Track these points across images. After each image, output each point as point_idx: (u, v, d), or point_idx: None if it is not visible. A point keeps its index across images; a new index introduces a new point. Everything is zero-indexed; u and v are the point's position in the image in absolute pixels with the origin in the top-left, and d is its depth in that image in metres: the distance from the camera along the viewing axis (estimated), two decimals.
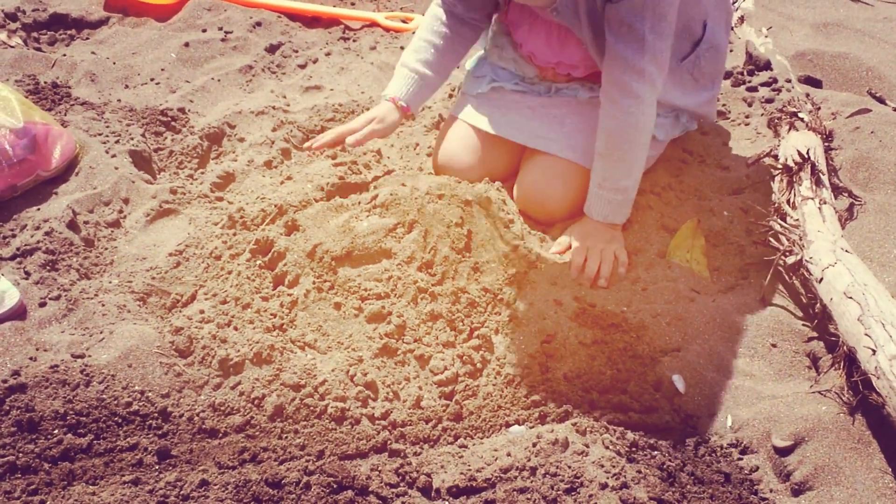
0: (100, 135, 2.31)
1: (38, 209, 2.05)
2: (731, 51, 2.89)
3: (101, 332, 1.73)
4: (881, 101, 2.60)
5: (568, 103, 2.18)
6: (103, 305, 1.80)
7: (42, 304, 1.80)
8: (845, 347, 1.64)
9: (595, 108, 2.05)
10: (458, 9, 2.18)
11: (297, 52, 2.90)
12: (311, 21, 3.11)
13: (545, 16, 2.05)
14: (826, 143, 2.31)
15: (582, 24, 1.98)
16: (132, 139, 2.31)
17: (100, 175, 2.14)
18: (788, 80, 2.64)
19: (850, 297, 1.66)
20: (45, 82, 2.58)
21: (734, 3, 3.08)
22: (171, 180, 2.26)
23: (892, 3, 3.39)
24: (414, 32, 3.00)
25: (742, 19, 3.06)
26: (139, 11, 3.11)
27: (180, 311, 1.83)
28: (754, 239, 2.07)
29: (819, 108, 2.48)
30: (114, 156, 2.21)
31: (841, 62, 2.87)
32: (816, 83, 2.75)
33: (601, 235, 2.03)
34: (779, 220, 2.01)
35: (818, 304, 1.79)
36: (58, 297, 1.81)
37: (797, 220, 1.98)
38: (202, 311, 1.79)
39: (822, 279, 1.78)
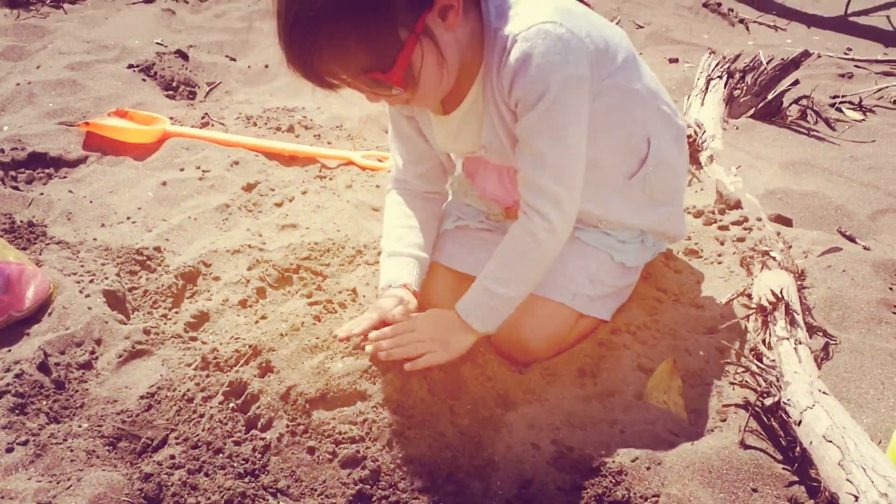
0: (74, 274, 2.30)
1: (9, 350, 2.02)
2: (702, 184, 2.94)
3: (68, 479, 1.68)
4: (851, 239, 2.64)
5: None
6: (72, 451, 1.76)
7: (9, 450, 1.76)
8: (827, 493, 1.62)
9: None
10: (418, 186, 2.22)
11: (273, 190, 2.93)
12: (289, 160, 3.15)
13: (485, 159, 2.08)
14: (799, 282, 2.33)
15: (515, 159, 1.98)
16: (107, 279, 2.30)
17: (73, 315, 2.12)
18: (759, 219, 2.68)
19: (830, 441, 1.65)
20: (21, 221, 2.58)
21: (703, 142, 3.15)
22: (144, 320, 2.24)
23: (857, 141, 3.48)
24: (389, 171, 3.05)
25: (711, 158, 3.12)
26: (118, 150, 3.14)
27: (150, 457, 1.79)
28: (731, 380, 2.06)
29: (790, 247, 2.52)
30: (87, 296, 2.20)
31: (810, 200, 2.93)
32: (787, 221, 2.79)
33: (444, 335, 1.96)
34: (755, 361, 2.01)
35: (798, 447, 1.77)
36: (25, 443, 1.77)
37: (773, 360, 1.98)
38: (172, 457, 1.75)
39: (800, 422, 1.77)
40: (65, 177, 3.02)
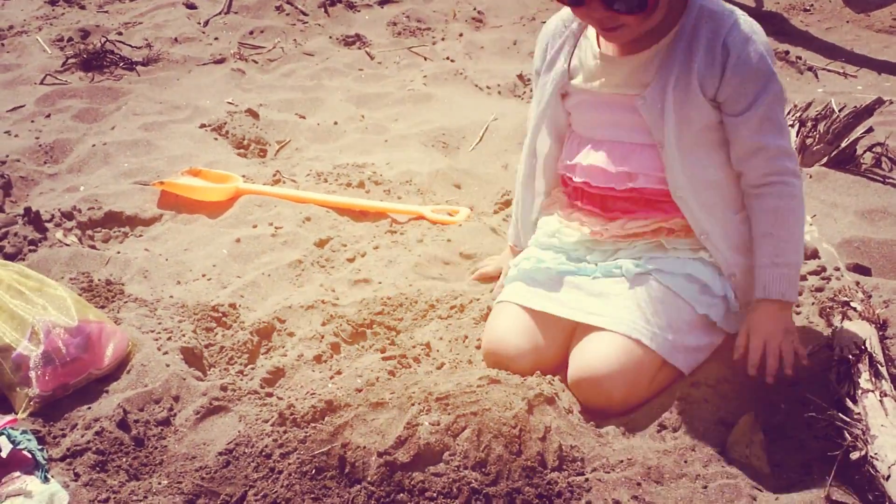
0: (152, 332, 2.33)
1: (89, 408, 2.05)
2: None
3: None
4: None
5: (616, 282, 2.19)
6: None
7: None
8: None
9: (643, 282, 2.14)
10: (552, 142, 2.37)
11: (345, 245, 2.95)
12: (359, 215, 3.17)
13: (622, 107, 2.18)
14: (881, 333, 2.28)
15: (666, 122, 2.10)
16: (183, 336, 2.32)
17: (151, 373, 2.15)
18: (837, 269, 2.63)
19: None
20: (99, 280, 2.63)
21: None
22: (221, 376, 2.26)
23: None
24: (460, 225, 3.07)
25: None
26: (191, 208, 3.20)
27: None
28: (814, 433, 2.01)
29: (870, 297, 2.46)
30: (165, 353, 2.22)
31: (888, 249, 2.87)
32: (865, 271, 2.73)
33: (777, 325, 2.10)
34: (840, 414, 1.96)
35: (887, 503, 1.72)
36: (106, 500, 1.79)
37: (858, 413, 1.93)
38: None
39: (889, 476, 1.72)
40: (140, 235, 3.08)
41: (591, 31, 2.25)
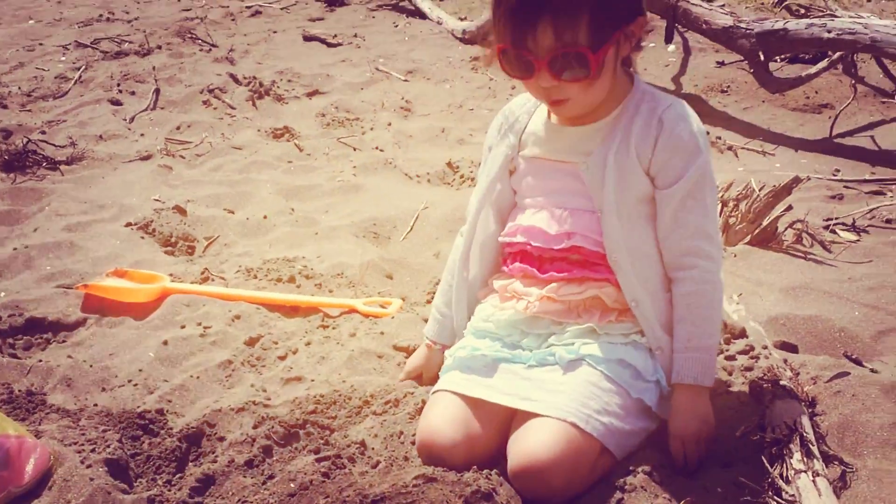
0: (75, 443, 2.26)
1: None
2: None
3: None
4: (858, 362, 2.61)
5: (551, 370, 2.19)
6: None
7: None
8: None
9: (576, 368, 2.16)
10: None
11: (276, 343, 2.91)
12: (290, 311, 3.14)
13: (565, 173, 2.26)
14: (810, 410, 2.30)
15: (606, 189, 2.17)
16: (108, 446, 2.25)
17: (74, 488, 2.08)
18: (765, 347, 2.66)
19: None
20: (20, 391, 2.56)
21: None
22: (148, 487, 2.19)
23: (854, 262, 3.49)
24: (393, 317, 3.05)
25: None
26: (117, 311, 3.14)
27: None
28: None
29: (798, 374, 2.49)
30: (89, 466, 2.15)
31: (813, 325, 2.91)
32: (792, 348, 2.77)
33: (692, 418, 2.16)
34: (775, 497, 1.97)
35: None
36: None
37: (793, 495, 1.94)
38: None
39: None
40: (64, 341, 3.01)
41: (542, 108, 2.35)
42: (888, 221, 3.94)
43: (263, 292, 3.22)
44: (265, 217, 4.01)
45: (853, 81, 5.45)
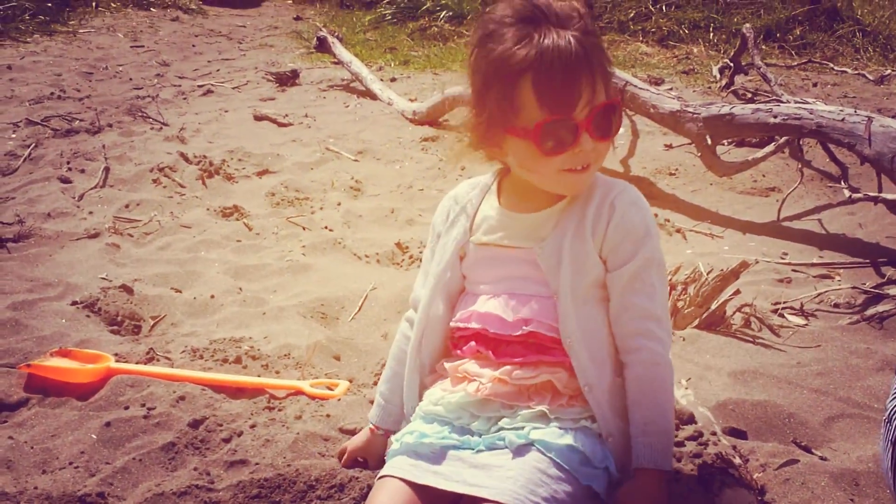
0: None
1: None
2: None
3: None
4: (807, 449, 2.63)
5: (500, 454, 2.17)
6: None
7: None
8: None
9: (526, 453, 2.12)
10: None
11: (221, 425, 2.86)
12: (236, 392, 3.10)
13: (520, 260, 2.26)
14: (759, 499, 2.30)
15: (562, 273, 2.18)
16: None
17: None
18: (714, 433, 2.67)
19: None
20: None
21: None
22: None
23: (802, 347, 3.52)
24: (339, 399, 3.02)
25: None
26: (60, 391, 3.07)
27: None
28: None
29: (748, 461, 2.50)
30: None
31: (762, 410, 2.93)
32: (741, 434, 2.77)
33: (651, 499, 2.13)
34: None
35: None
36: None
37: None
38: None
39: None
40: (4, 422, 2.93)
41: (492, 193, 2.36)
42: (836, 306, 3.99)
43: (209, 373, 3.18)
44: (212, 296, 3.98)
45: (800, 165, 5.58)
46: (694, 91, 7.64)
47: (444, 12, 11.33)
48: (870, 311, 3.81)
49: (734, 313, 3.70)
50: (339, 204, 5.48)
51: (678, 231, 5.12)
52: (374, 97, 8.13)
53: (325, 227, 5.08)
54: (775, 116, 4.98)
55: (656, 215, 5.35)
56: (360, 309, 3.93)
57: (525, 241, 2.28)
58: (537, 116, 2.07)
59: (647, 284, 2.20)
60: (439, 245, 2.45)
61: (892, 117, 6.26)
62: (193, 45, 11.31)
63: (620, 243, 2.20)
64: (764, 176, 5.83)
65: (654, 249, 2.22)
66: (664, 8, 9.87)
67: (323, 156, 6.43)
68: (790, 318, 3.82)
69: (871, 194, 4.66)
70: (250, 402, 3.05)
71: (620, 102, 2.14)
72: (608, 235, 2.20)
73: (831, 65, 8.07)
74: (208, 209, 5.32)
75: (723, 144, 5.95)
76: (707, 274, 3.71)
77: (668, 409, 2.21)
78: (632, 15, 9.88)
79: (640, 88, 5.80)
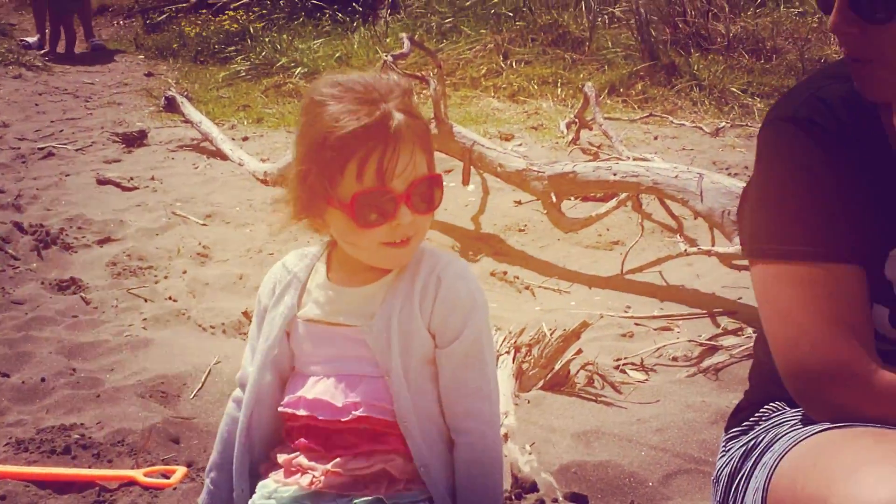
0: None
1: None
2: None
3: None
4: None
5: None
6: None
7: None
8: None
9: None
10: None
11: None
12: (64, 485, 2.94)
13: (347, 338, 2.15)
14: None
15: (392, 351, 2.09)
16: None
17: None
18: (555, 500, 2.67)
19: None
20: None
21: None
22: None
23: (642, 403, 3.58)
24: (175, 488, 2.90)
25: (506, 436, 3.12)
26: None
27: None
28: None
29: None
30: None
31: (603, 471, 2.95)
32: (583, 499, 2.78)
33: None
34: None
35: None
36: None
37: None
38: None
39: None
40: None
41: (321, 264, 2.26)
42: (674, 359, 4.09)
43: (34, 467, 3.00)
44: (43, 380, 3.77)
45: (641, 219, 5.72)
46: (542, 147, 7.78)
47: (299, 68, 11.27)
48: (706, 363, 3.92)
49: (578, 372, 3.74)
50: (184, 272, 5.33)
51: (527, 288, 5.18)
52: (224, 157, 7.95)
53: (169, 298, 4.93)
54: (615, 174, 5.11)
55: (505, 273, 5.41)
56: (202, 385, 3.80)
57: (353, 317, 2.21)
58: (355, 188, 2.03)
59: (478, 360, 2.17)
60: (266, 319, 2.36)
61: (726, 170, 6.55)
62: (36, 105, 10.90)
63: (448, 317, 2.16)
64: (608, 230, 5.95)
65: (482, 322, 2.19)
66: (514, 64, 10.06)
67: (169, 221, 6.26)
68: (632, 373, 3.89)
69: (704, 248, 4.83)
70: (79, 496, 2.90)
71: (440, 177, 2.11)
72: (436, 310, 2.16)
73: (671, 118, 8.35)
74: (43, 283, 5.07)
75: (570, 199, 6.06)
76: (551, 334, 3.75)
77: (497, 491, 2.18)
78: (483, 71, 10.03)
79: (488, 148, 5.88)
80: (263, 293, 2.38)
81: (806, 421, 1.83)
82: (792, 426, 1.86)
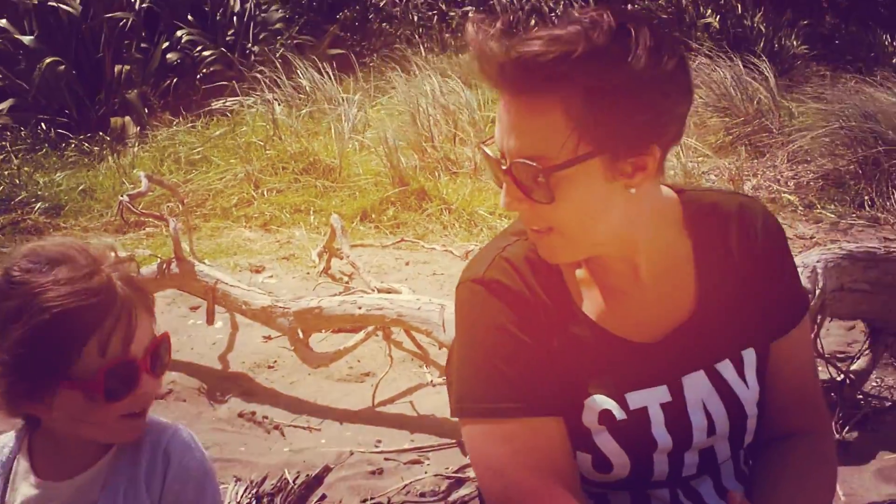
0: None
1: None
2: None
3: None
4: None
5: None
6: None
7: None
8: None
9: None
10: None
11: None
12: None
13: None
14: None
15: None
16: None
17: None
18: None
19: None
20: None
21: None
22: None
23: None
24: None
25: None
26: None
27: None
28: None
29: None
30: None
31: None
32: None
33: None
34: None
35: None
36: None
37: None
38: None
39: None
40: None
41: (23, 457, 2.06)
42: (422, 495, 4.08)
43: None
44: None
45: (389, 350, 5.76)
46: (294, 278, 7.73)
47: (39, 203, 10.78)
48: (453, 497, 3.94)
49: None
50: None
51: (276, 428, 5.07)
52: None
53: None
54: (360, 307, 5.15)
55: (254, 413, 5.28)
56: None
57: None
58: (99, 363, 1.90)
59: None
60: None
61: None
62: None
63: (181, 493, 2.06)
64: (359, 361, 5.94)
65: (214, 487, 2.12)
66: (266, 193, 10.05)
67: None
68: None
69: None
70: None
71: (167, 335, 2.02)
72: (167, 487, 2.03)
73: (422, 242, 8.52)
74: None
75: (321, 331, 6.04)
76: (293, 481, 3.67)
77: None
78: (234, 201, 9.93)
79: (231, 286, 5.79)
80: None
81: None
82: None
